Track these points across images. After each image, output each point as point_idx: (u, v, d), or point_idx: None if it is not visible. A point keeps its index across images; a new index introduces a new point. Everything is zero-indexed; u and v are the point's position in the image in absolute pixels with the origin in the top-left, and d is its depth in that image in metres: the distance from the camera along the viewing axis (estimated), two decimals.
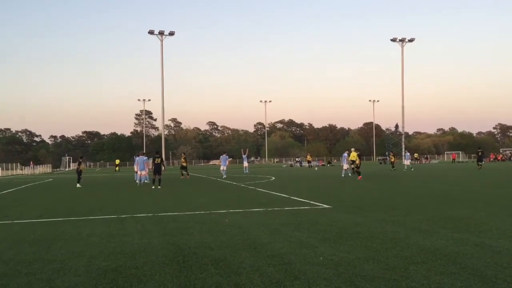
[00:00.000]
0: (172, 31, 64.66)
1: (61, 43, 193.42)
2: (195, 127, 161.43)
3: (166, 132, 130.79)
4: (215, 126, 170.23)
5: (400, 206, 11.74)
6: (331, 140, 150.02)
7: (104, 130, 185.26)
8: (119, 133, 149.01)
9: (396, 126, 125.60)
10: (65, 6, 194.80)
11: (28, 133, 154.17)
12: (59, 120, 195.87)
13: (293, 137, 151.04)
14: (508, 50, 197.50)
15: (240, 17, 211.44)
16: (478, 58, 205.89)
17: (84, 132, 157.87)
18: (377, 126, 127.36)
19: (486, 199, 13.32)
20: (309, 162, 61.56)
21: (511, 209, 10.72)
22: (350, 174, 27.65)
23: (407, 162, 42.82)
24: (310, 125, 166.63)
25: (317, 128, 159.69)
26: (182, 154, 34.51)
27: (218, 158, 36.57)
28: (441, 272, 5.19)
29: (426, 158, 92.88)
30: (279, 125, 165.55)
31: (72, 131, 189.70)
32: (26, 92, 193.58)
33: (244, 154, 38.48)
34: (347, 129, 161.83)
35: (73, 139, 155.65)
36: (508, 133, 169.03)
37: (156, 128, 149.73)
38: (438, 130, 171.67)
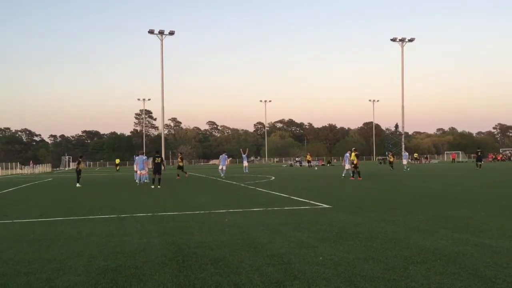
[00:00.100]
0: (172, 31, 64.54)
1: (61, 43, 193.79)
2: (195, 127, 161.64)
3: (166, 132, 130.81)
4: (215, 126, 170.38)
5: (400, 206, 11.74)
6: (331, 140, 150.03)
7: (104, 130, 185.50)
8: (119, 133, 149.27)
9: (396, 126, 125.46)
10: (65, 6, 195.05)
11: (27, 132, 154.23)
12: (59, 119, 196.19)
13: (293, 137, 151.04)
14: (508, 50, 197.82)
15: (240, 17, 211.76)
16: (478, 58, 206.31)
17: (84, 131, 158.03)
18: (377, 126, 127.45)
19: (486, 199, 13.32)
20: (309, 162, 61.54)
21: (511, 209, 10.72)
22: (351, 175, 27.66)
23: (404, 161, 43.03)
24: (310, 124, 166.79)
25: (317, 128, 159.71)
26: (179, 154, 34.49)
27: (218, 158, 36.58)
28: (440, 272, 5.19)
29: (426, 158, 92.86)
30: (279, 125, 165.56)
31: (72, 131, 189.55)
32: (26, 91, 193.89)
33: (243, 154, 38.48)
34: (347, 129, 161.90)
35: (73, 139, 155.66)
36: (508, 133, 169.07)
37: (156, 128, 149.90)
38: (438, 130, 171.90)
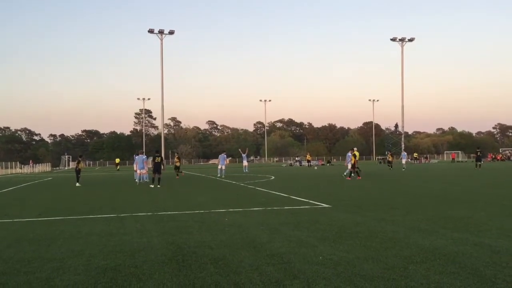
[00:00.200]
0: (172, 30, 64.51)
1: (61, 43, 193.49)
2: (195, 126, 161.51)
3: (165, 131, 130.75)
4: (215, 125, 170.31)
5: (399, 205, 11.74)
6: (331, 139, 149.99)
7: (104, 129, 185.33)
8: (118, 132, 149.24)
9: (396, 126, 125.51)
10: (65, 6, 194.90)
11: (27, 131, 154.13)
12: (59, 119, 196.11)
13: (292, 137, 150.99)
14: (508, 50, 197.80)
15: (240, 17, 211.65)
16: (478, 58, 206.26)
17: (84, 131, 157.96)
18: (377, 126, 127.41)
19: (486, 199, 13.32)
20: (308, 161, 61.53)
21: (510, 209, 10.73)
22: (352, 175, 27.69)
23: (402, 161, 43.18)
24: (310, 124, 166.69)
25: (317, 128, 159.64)
26: (176, 154, 34.52)
27: (218, 157, 36.61)
28: (440, 272, 5.19)
29: (426, 158, 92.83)
30: (278, 125, 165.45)
31: (72, 130, 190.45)
32: (26, 91, 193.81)
33: (243, 153, 38.48)
34: (346, 128, 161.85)
35: (73, 138, 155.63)
36: (508, 133, 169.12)
37: (156, 127, 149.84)
38: (438, 129, 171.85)
